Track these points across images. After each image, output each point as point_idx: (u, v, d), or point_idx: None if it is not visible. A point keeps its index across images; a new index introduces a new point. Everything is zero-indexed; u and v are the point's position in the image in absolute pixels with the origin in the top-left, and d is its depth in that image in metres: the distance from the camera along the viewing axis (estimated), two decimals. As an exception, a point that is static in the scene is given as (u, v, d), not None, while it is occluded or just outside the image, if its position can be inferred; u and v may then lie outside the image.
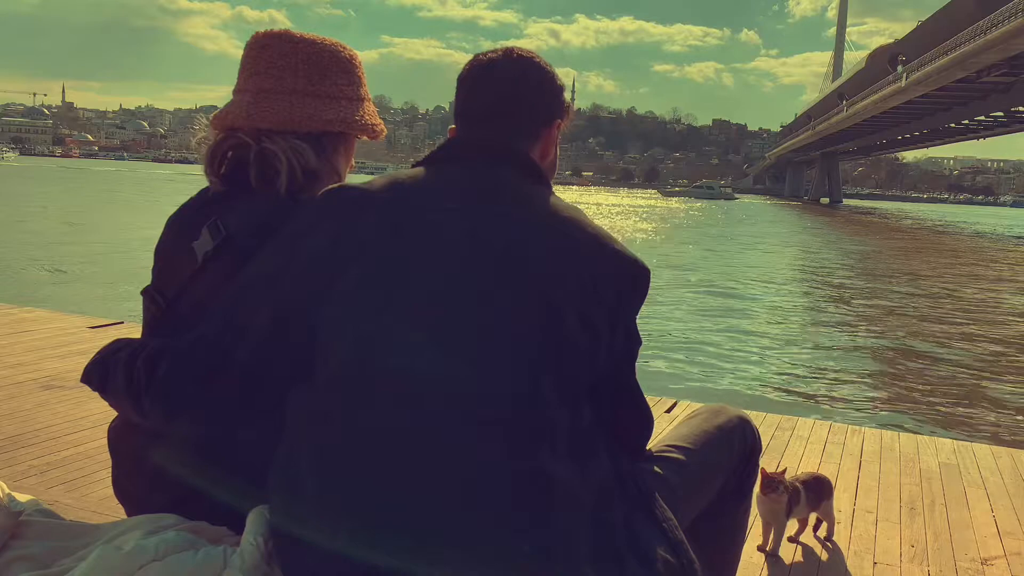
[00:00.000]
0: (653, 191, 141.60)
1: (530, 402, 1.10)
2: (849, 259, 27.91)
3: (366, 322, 1.13)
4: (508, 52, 1.35)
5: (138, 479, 1.41)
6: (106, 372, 1.34)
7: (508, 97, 1.32)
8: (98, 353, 1.39)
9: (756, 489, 2.32)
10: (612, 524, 1.12)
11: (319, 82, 1.48)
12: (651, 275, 1.24)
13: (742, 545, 1.64)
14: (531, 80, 1.34)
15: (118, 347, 1.36)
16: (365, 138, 1.56)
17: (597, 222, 1.25)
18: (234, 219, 1.36)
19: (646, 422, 1.33)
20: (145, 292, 1.43)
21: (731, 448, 1.48)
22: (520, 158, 1.28)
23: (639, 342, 1.27)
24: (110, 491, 1.54)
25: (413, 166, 1.30)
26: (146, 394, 1.28)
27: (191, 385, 1.27)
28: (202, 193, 1.47)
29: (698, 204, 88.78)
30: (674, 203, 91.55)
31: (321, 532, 1.08)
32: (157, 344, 1.32)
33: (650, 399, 1.42)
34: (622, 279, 1.20)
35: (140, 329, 1.48)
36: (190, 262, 1.36)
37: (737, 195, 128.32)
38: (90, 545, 1.15)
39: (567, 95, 1.42)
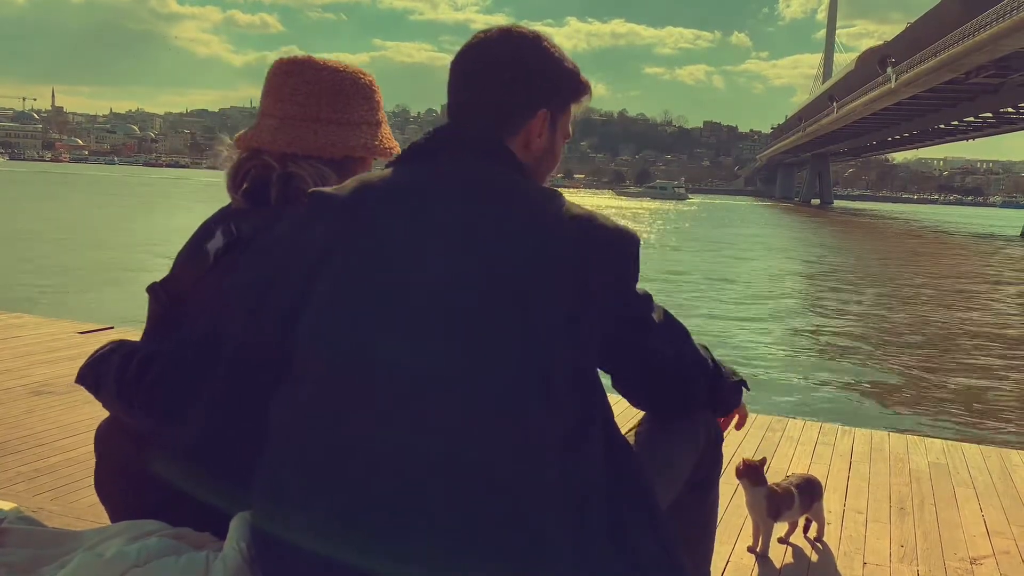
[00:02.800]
0: (610, 192, 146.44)
1: (520, 402, 1.08)
2: (837, 259, 27.99)
3: (352, 325, 1.12)
4: (491, 33, 1.31)
5: (121, 480, 1.42)
6: (100, 374, 1.37)
7: (475, 86, 1.28)
8: (94, 353, 1.42)
9: (744, 492, 2.34)
10: (597, 524, 1.11)
11: (343, 110, 1.55)
12: (640, 242, 1.21)
13: (713, 537, 1.63)
14: (502, 65, 1.27)
15: (113, 348, 1.39)
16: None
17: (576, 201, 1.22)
18: (248, 225, 1.40)
19: (678, 369, 1.36)
20: (151, 288, 1.45)
21: (695, 440, 1.48)
22: (493, 152, 1.24)
23: (647, 303, 1.28)
24: (97, 497, 1.53)
25: (387, 166, 1.29)
26: (137, 397, 1.30)
27: (181, 388, 1.29)
28: (224, 208, 1.52)
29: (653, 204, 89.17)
30: (623, 201, 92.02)
31: (306, 536, 1.07)
32: (150, 347, 1.34)
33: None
34: (612, 258, 1.18)
35: (130, 334, 1.49)
36: (202, 262, 1.39)
37: (690, 195, 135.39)
38: (72, 552, 1.15)
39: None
